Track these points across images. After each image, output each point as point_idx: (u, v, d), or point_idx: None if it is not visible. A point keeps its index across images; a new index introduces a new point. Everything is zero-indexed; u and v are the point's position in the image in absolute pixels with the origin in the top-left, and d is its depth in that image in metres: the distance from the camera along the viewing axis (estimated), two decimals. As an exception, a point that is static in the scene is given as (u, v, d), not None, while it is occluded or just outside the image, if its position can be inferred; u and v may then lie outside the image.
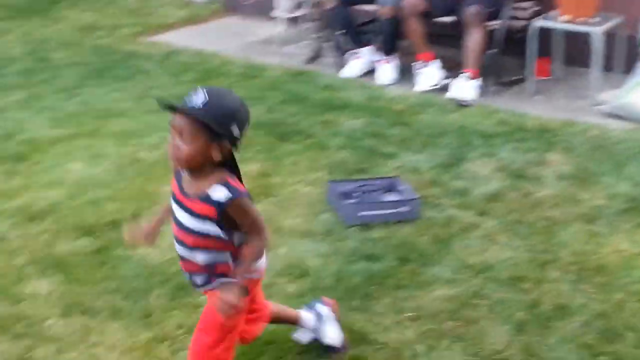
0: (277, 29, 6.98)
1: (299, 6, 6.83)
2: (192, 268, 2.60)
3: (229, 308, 2.45)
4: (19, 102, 5.69)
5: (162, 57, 6.60)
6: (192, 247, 2.54)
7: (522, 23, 5.65)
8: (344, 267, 3.74)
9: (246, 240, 2.53)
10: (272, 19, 7.08)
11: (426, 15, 5.78)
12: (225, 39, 7.05)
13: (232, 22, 7.58)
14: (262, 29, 7.15)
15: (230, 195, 2.42)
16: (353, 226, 4.05)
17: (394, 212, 4.11)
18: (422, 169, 4.65)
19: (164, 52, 6.72)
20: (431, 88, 5.81)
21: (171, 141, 2.41)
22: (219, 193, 2.42)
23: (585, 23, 5.44)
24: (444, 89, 5.76)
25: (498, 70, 5.80)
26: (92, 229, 4.09)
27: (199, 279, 2.62)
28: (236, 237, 2.53)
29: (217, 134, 2.38)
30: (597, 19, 5.45)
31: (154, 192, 4.45)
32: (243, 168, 4.55)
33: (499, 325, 3.27)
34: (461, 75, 5.67)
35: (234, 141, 2.44)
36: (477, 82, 5.65)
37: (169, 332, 3.33)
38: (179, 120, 2.39)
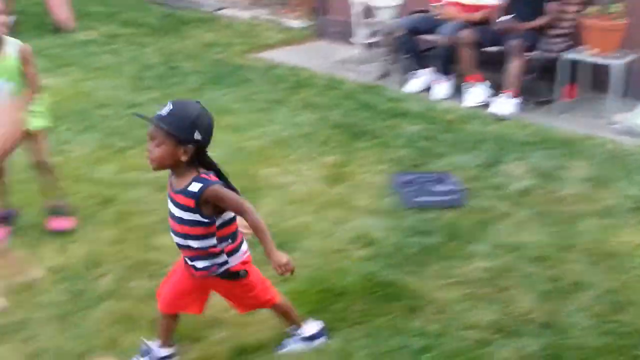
0: (355, 52, 6.95)
1: (374, 34, 6.80)
2: (190, 254, 2.53)
3: (285, 265, 2.42)
4: (155, 99, 5.79)
5: (264, 70, 6.65)
6: (184, 235, 2.48)
7: (554, 55, 5.51)
8: (402, 239, 3.72)
9: (232, 222, 2.50)
10: (352, 43, 7.07)
11: (476, 45, 5.70)
12: (314, 57, 7.06)
13: (320, 45, 7.58)
14: (343, 51, 7.13)
15: (202, 185, 2.35)
16: (410, 209, 4.03)
17: (444, 199, 4.08)
18: (466, 167, 4.58)
19: (265, 66, 6.77)
20: (477, 104, 5.72)
21: (147, 146, 2.38)
22: (194, 186, 2.37)
23: (607, 57, 5.30)
24: (487, 105, 5.66)
25: (533, 92, 5.67)
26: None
27: (198, 264, 2.53)
28: (218, 222, 2.44)
29: (180, 140, 2.31)
30: (618, 54, 5.30)
31: (253, 173, 4.50)
32: (324, 159, 4.66)
33: (526, 293, 3.23)
34: (502, 94, 5.57)
35: (198, 144, 2.36)
36: (515, 101, 5.54)
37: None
38: (151, 128, 2.35)
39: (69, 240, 3.71)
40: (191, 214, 2.39)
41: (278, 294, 2.80)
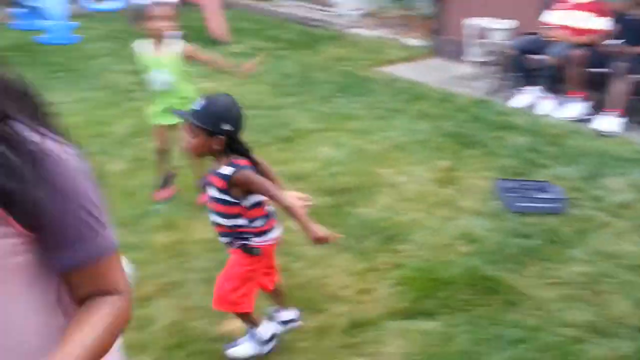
0: (467, 69, 6.80)
1: (486, 53, 6.61)
2: (221, 230, 2.48)
3: (321, 238, 2.29)
4: (292, 104, 5.92)
5: (385, 82, 6.63)
6: (218, 213, 2.43)
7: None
8: (504, 239, 3.60)
9: (263, 204, 2.41)
10: (465, 61, 6.92)
11: (583, 65, 5.41)
12: (430, 73, 6.97)
13: (436, 62, 7.47)
14: (457, 68, 6.99)
15: (233, 169, 2.31)
16: (513, 213, 3.89)
17: (545, 206, 3.89)
18: (568, 178, 4.36)
19: (387, 79, 6.75)
20: (576, 118, 5.44)
21: (185, 137, 2.38)
22: (226, 170, 2.33)
23: None
24: (590, 121, 5.37)
25: (636, 112, 5.31)
26: (331, 192, 4.18)
27: (225, 239, 2.50)
28: (247, 203, 2.38)
29: (211, 131, 2.30)
30: None
31: (372, 171, 4.50)
32: (436, 163, 4.58)
33: (622, 299, 3.04)
34: (606, 112, 5.27)
35: (228, 134, 2.32)
36: (619, 120, 5.21)
37: (376, 266, 3.38)
38: (187, 122, 2.34)
39: (217, 218, 3.85)
40: (222, 194, 2.38)
41: (251, 307, 2.60)
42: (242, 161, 2.35)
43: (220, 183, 2.34)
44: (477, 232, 3.68)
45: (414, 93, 6.28)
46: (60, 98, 5.96)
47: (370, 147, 4.95)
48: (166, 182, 4.12)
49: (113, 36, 8.23)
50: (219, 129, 2.29)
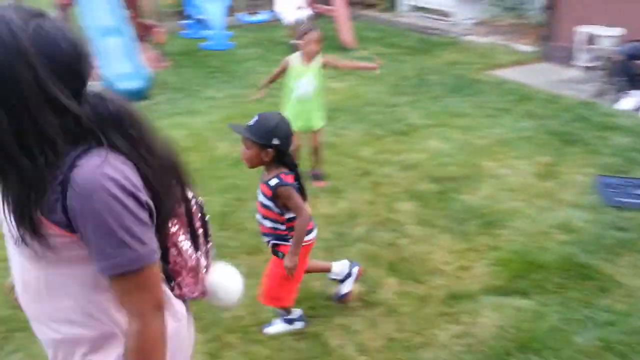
0: (574, 73, 6.36)
1: (594, 58, 6.14)
2: (263, 230, 2.48)
3: (288, 269, 2.36)
4: (407, 102, 5.87)
5: (495, 84, 6.36)
6: (262, 216, 2.43)
7: None
8: (601, 231, 3.37)
9: (294, 219, 2.38)
10: (572, 66, 6.47)
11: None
12: (538, 76, 6.59)
13: (545, 67, 7.03)
14: (564, 72, 6.56)
15: (278, 182, 2.32)
16: (611, 207, 3.62)
17: (644, 202, 3.60)
18: (671, 177, 3.98)
19: (497, 81, 6.48)
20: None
21: (241, 149, 2.37)
22: (273, 181, 2.33)
23: None
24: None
25: None
26: (438, 179, 4.12)
27: (266, 238, 2.49)
28: (286, 214, 2.40)
29: (261, 145, 2.28)
30: None
31: (477, 164, 4.37)
32: (538, 159, 4.37)
33: None
34: None
35: (277, 148, 2.30)
36: None
37: (476, 246, 3.30)
38: (242, 136, 2.33)
39: (338, 197, 3.94)
40: (268, 201, 2.39)
41: (292, 301, 2.63)
42: (289, 177, 2.36)
43: (267, 191, 2.37)
44: (575, 223, 3.48)
45: (522, 94, 5.98)
46: (214, 94, 6.36)
47: (476, 142, 4.80)
48: (317, 176, 4.21)
49: (259, 44, 8.59)
50: (269, 143, 2.29)
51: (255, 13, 9.26)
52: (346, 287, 2.83)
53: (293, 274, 2.39)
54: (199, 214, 1.36)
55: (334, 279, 2.85)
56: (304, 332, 2.66)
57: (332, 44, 8.38)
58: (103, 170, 1.04)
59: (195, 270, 1.32)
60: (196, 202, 1.35)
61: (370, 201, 3.86)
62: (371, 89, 6.36)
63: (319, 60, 3.88)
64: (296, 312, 2.70)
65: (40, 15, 1.05)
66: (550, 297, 2.80)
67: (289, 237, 2.44)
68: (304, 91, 3.91)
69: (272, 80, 4.06)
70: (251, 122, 2.32)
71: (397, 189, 4.01)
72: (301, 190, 2.40)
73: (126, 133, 1.10)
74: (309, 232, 2.50)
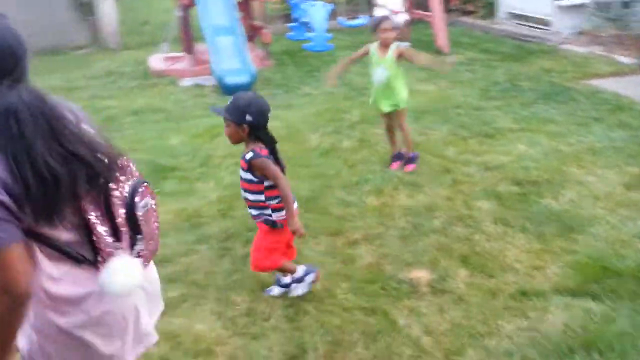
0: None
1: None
2: (247, 204, 2.60)
3: (295, 232, 2.51)
4: (496, 107, 5.70)
5: (589, 93, 6.00)
6: (243, 189, 2.56)
7: None
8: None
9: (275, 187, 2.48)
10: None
11: None
12: (636, 88, 6.12)
13: (644, 78, 6.56)
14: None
15: (252, 155, 2.44)
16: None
17: None
18: None
19: (591, 91, 6.10)
20: None
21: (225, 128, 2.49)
22: (249, 154, 2.45)
23: None
24: None
25: None
26: (520, 182, 3.99)
27: (252, 211, 2.60)
28: (266, 183, 2.49)
29: (236, 122, 2.40)
30: None
31: (563, 169, 4.19)
32: (627, 168, 4.20)
33: None
34: None
35: (250, 124, 2.40)
36: None
37: (551, 248, 3.19)
38: (222, 115, 2.46)
39: (417, 191, 3.94)
40: (246, 173, 2.50)
41: (279, 265, 2.74)
42: (264, 151, 2.46)
43: (244, 164, 2.49)
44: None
45: (616, 104, 5.61)
46: (311, 91, 6.56)
47: (563, 148, 4.59)
48: (398, 157, 4.36)
49: (357, 46, 8.56)
50: (242, 120, 2.40)
51: (355, 17, 9.37)
52: (300, 289, 2.83)
53: (302, 233, 2.53)
54: (123, 210, 1.37)
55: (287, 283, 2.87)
56: (374, 308, 2.73)
57: (427, 48, 8.31)
58: None
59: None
60: (123, 198, 1.36)
61: (448, 197, 3.83)
62: (460, 92, 6.26)
63: (394, 49, 4.01)
64: (300, 268, 2.80)
65: None
66: (623, 303, 2.66)
67: (269, 207, 2.55)
68: (379, 78, 4.09)
69: (350, 63, 4.27)
70: (228, 103, 2.48)
71: (477, 187, 3.95)
72: (277, 163, 2.51)
73: (5, 126, 1.15)
74: (283, 208, 2.57)
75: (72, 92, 6.71)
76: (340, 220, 3.57)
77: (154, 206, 1.47)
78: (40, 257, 1.30)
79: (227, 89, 6.37)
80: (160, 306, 1.67)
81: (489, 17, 10.14)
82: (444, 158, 4.48)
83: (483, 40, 8.90)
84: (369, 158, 4.50)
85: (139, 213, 1.39)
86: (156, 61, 7.80)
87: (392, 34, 4.02)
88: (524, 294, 2.80)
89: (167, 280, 2.87)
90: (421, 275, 2.98)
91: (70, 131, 1.23)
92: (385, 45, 4.03)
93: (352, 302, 2.78)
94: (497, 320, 2.62)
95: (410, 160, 4.28)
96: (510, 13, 9.75)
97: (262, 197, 2.53)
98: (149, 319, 1.57)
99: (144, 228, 1.41)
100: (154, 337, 1.60)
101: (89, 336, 1.37)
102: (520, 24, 9.38)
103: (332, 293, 2.86)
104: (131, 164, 1.44)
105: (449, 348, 2.47)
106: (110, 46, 9.26)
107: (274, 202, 2.55)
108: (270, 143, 2.50)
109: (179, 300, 2.84)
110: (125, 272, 1.33)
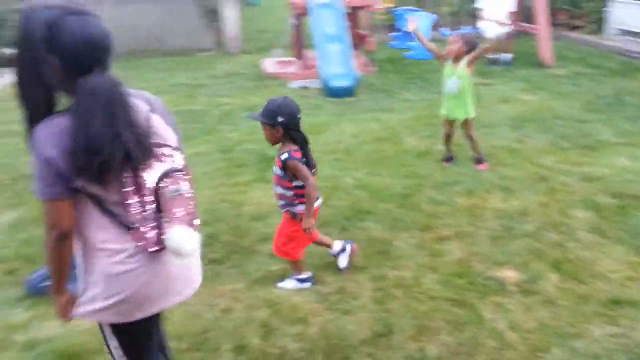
0: None
1: None
2: (276, 197, 2.69)
3: (306, 230, 2.62)
4: (599, 120, 5.38)
5: None
6: (275, 183, 2.66)
7: None
8: None
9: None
10: None
11: None
12: None
13: None
14: None
15: (287, 157, 2.52)
16: None
17: None
18: None
19: None
20: None
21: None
22: (284, 155, 2.54)
23: None
24: None
25: None
26: (619, 195, 3.77)
27: (280, 203, 2.69)
28: (294, 182, 2.59)
29: (270, 124, 2.49)
30: None
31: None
32: None
33: None
34: None
35: (283, 125, 2.48)
36: None
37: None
38: (259, 120, 2.55)
39: (510, 195, 3.85)
40: (279, 171, 2.59)
41: (298, 257, 2.85)
42: (297, 153, 2.54)
43: (279, 163, 2.58)
44: None
45: None
46: (410, 97, 6.58)
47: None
48: (449, 159, 4.45)
49: (457, 56, 8.55)
50: (275, 122, 2.49)
51: (458, 28, 9.23)
52: (343, 262, 2.99)
53: (311, 232, 2.64)
54: (153, 191, 1.47)
55: (333, 255, 3.03)
56: (460, 300, 2.74)
57: (530, 60, 8.03)
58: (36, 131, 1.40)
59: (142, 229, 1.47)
60: (158, 183, 1.47)
61: (543, 203, 3.72)
62: (563, 104, 5.98)
63: (464, 62, 4.06)
64: (307, 273, 2.91)
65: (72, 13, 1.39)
66: None
67: (295, 202, 2.65)
68: (449, 88, 4.17)
69: (427, 45, 4.28)
70: (262, 108, 2.56)
71: (573, 197, 3.79)
72: (308, 164, 2.58)
73: (86, 99, 1.38)
74: (315, 199, 2.67)
75: (196, 88, 7.26)
76: (430, 217, 3.59)
77: (188, 194, 1.53)
78: (93, 213, 1.49)
79: (331, 92, 6.57)
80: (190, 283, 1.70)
81: (597, 32, 9.54)
82: (541, 166, 4.34)
83: (590, 55, 8.39)
84: (460, 162, 4.46)
85: (166, 195, 1.49)
86: (269, 64, 8.21)
87: (456, 46, 4.05)
88: (616, 302, 2.67)
89: (269, 256, 3.09)
90: (511, 275, 2.93)
91: (124, 118, 1.42)
92: (453, 57, 4.09)
93: (439, 293, 2.81)
94: (586, 325, 2.53)
95: (478, 161, 4.33)
96: (621, 29, 9.10)
97: (289, 193, 2.65)
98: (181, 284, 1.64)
99: (168, 208, 1.49)
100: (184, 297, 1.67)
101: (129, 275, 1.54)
102: (631, 40, 8.73)
103: (419, 282, 2.90)
104: (173, 155, 1.54)
105: (534, 344, 2.42)
106: (231, 50, 9.83)
107: (301, 199, 2.66)
108: (303, 143, 2.58)
109: (280, 275, 3.02)
110: (187, 237, 1.47)
